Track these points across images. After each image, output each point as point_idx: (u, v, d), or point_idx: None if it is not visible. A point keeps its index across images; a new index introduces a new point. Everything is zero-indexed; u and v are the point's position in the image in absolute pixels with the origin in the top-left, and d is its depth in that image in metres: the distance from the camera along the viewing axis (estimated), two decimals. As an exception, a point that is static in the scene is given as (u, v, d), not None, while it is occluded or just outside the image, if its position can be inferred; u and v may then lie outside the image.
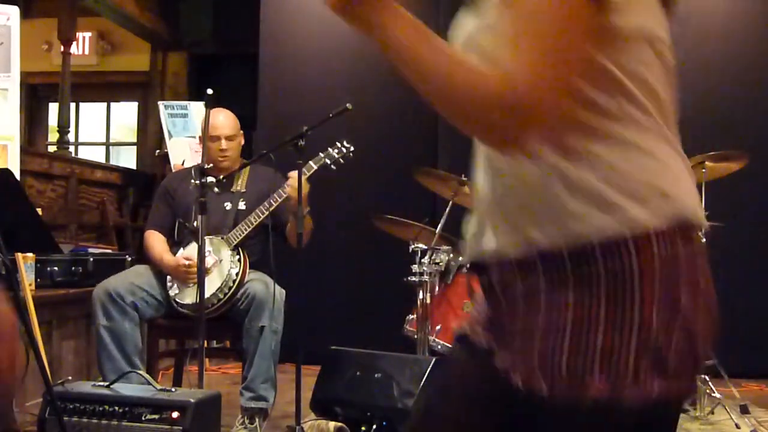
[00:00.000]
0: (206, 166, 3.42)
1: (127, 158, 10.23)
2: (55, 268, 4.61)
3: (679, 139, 1.15)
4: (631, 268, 1.05)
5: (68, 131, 7.53)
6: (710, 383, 4.09)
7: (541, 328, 1.08)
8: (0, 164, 4.39)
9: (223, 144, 3.89)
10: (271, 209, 3.75)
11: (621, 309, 1.04)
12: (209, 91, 3.39)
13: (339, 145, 3.79)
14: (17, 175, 4.21)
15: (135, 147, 9.90)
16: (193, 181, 3.45)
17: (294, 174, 3.51)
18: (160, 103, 6.57)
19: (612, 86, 1.08)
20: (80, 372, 4.45)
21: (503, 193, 1.16)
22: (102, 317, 3.59)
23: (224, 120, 3.92)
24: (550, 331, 1.07)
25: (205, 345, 3.41)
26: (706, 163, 4.27)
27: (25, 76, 5.10)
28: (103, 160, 9.74)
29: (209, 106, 3.47)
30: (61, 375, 3.94)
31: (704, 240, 1.16)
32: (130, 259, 4.80)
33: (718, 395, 4.03)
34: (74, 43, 8.21)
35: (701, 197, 4.27)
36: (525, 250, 1.11)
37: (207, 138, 3.61)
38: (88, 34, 9.43)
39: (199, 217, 3.31)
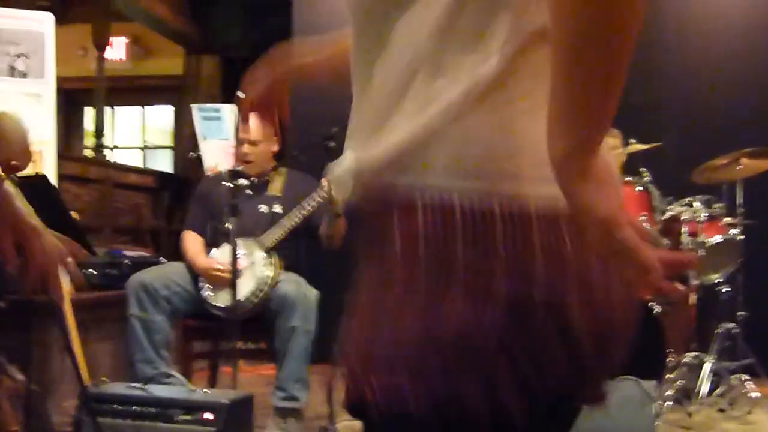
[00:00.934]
0: (239, 169, 3.44)
1: (162, 161, 10.34)
2: (91, 271, 4.67)
3: None
4: None
5: (104, 135, 7.62)
6: (749, 383, 4.03)
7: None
8: (36, 169, 4.45)
9: (246, 148, 3.90)
10: (306, 214, 3.75)
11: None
12: (240, 94, 3.39)
13: None
14: (54, 180, 4.28)
15: (170, 150, 10.00)
16: (224, 183, 3.47)
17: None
18: (193, 106, 6.61)
19: None
20: (116, 374, 4.48)
21: None
22: (135, 307, 3.64)
23: (251, 125, 3.93)
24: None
25: (240, 346, 3.42)
26: (742, 159, 4.22)
27: (60, 81, 5.15)
28: (139, 164, 9.84)
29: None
30: (97, 377, 3.98)
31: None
32: (165, 262, 4.84)
33: (756, 395, 3.97)
34: (108, 47, 8.30)
35: (736, 194, 4.23)
36: None
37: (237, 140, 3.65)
38: (122, 39, 9.54)
39: (231, 219, 3.33)
